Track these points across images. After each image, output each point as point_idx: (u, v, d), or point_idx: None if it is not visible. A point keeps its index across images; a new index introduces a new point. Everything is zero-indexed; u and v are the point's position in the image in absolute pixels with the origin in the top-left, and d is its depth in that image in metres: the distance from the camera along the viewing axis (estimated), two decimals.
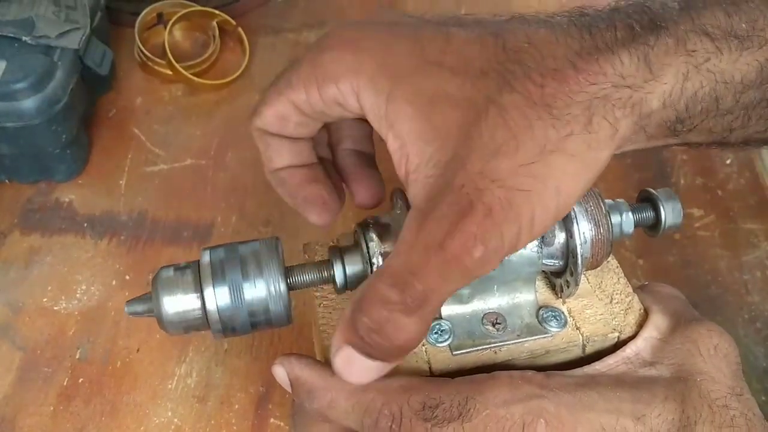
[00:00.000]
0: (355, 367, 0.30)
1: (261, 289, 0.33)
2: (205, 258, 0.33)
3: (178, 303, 0.33)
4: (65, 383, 0.49)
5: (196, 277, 0.33)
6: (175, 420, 0.48)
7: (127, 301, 0.34)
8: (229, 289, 0.32)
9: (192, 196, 0.60)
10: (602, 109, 0.29)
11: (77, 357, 0.51)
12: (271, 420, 0.48)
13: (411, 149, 0.30)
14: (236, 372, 0.50)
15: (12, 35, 0.56)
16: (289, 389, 0.35)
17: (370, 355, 0.30)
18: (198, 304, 0.32)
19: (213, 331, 0.33)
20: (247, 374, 0.50)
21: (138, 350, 0.51)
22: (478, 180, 0.28)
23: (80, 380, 0.50)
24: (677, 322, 0.36)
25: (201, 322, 0.33)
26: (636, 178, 0.62)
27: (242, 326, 0.33)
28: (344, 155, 0.40)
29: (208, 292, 0.32)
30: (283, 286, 0.33)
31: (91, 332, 0.52)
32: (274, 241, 0.34)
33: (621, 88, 0.30)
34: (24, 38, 0.56)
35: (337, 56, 0.33)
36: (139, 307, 0.34)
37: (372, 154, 0.40)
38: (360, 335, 0.29)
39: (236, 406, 0.48)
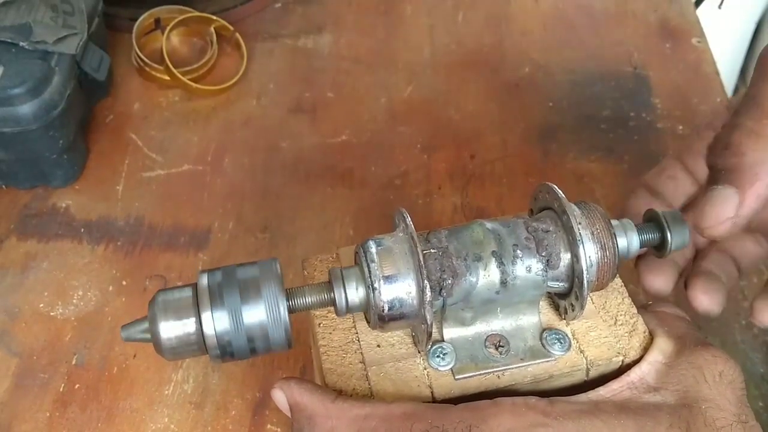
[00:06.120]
0: None
1: (260, 314, 0.32)
2: (203, 281, 0.32)
3: (175, 328, 0.32)
4: (61, 389, 0.49)
5: (193, 302, 0.32)
6: (172, 426, 0.48)
7: (123, 326, 0.33)
8: (228, 313, 0.31)
9: (189, 201, 0.60)
10: None
11: (73, 363, 0.51)
12: (268, 426, 0.48)
13: None
14: (233, 378, 0.50)
15: (9, 41, 0.56)
16: (288, 414, 0.34)
17: None
18: (196, 329, 0.32)
19: (211, 356, 0.32)
20: (243, 380, 0.50)
21: (135, 356, 0.51)
22: None
23: (76, 386, 0.49)
24: (682, 345, 0.35)
25: (199, 348, 0.32)
26: (633, 185, 0.62)
27: (241, 351, 0.32)
28: None
29: (206, 316, 0.31)
30: (283, 310, 0.32)
31: (88, 338, 0.52)
32: (273, 263, 0.33)
33: None
34: (21, 44, 0.56)
35: None
36: (136, 332, 0.33)
37: None
38: None
39: (233, 412, 0.48)
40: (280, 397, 0.34)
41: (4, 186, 0.61)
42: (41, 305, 0.54)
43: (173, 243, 0.57)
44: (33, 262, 0.56)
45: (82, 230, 0.58)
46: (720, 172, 0.35)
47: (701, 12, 0.91)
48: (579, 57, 0.73)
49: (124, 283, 0.55)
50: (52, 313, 0.53)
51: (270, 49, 0.73)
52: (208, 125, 0.66)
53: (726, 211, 0.34)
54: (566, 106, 0.69)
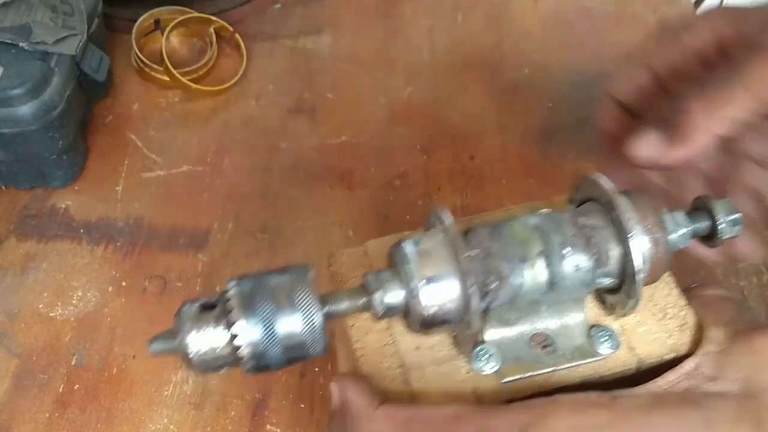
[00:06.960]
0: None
1: (296, 323, 0.30)
2: (233, 290, 0.30)
3: (205, 340, 0.30)
4: (61, 390, 0.49)
5: (223, 311, 0.30)
6: (171, 427, 0.48)
7: (150, 339, 0.31)
8: (261, 323, 0.30)
9: (188, 202, 0.60)
10: None
11: (73, 363, 0.51)
12: (268, 426, 0.48)
13: None
14: (232, 378, 0.50)
15: (9, 41, 0.56)
16: (338, 408, 0.33)
17: None
18: (227, 340, 0.30)
19: (245, 369, 0.31)
20: (243, 380, 0.50)
21: (134, 357, 0.51)
22: None
23: (76, 387, 0.49)
24: (734, 330, 0.33)
25: (232, 360, 0.30)
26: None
27: (277, 362, 0.30)
28: None
29: (238, 326, 0.30)
30: (318, 318, 0.30)
31: (87, 339, 0.52)
32: (304, 268, 0.31)
33: None
34: (21, 44, 0.56)
35: None
36: (163, 345, 0.31)
37: None
38: None
39: (232, 413, 0.48)
40: (335, 390, 0.33)
41: (3, 186, 0.61)
42: (41, 306, 0.54)
43: (173, 244, 0.57)
44: (32, 262, 0.56)
45: (82, 231, 0.58)
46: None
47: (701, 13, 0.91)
48: (578, 58, 0.73)
49: (123, 283, 0.55)
50: (51, 314, 0.53)
51: (269, 49, 0.73)
52: (207, 126, 0.66)
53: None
54: (566, 107, 0.69)
